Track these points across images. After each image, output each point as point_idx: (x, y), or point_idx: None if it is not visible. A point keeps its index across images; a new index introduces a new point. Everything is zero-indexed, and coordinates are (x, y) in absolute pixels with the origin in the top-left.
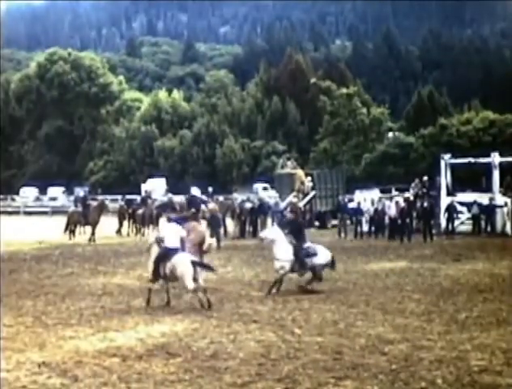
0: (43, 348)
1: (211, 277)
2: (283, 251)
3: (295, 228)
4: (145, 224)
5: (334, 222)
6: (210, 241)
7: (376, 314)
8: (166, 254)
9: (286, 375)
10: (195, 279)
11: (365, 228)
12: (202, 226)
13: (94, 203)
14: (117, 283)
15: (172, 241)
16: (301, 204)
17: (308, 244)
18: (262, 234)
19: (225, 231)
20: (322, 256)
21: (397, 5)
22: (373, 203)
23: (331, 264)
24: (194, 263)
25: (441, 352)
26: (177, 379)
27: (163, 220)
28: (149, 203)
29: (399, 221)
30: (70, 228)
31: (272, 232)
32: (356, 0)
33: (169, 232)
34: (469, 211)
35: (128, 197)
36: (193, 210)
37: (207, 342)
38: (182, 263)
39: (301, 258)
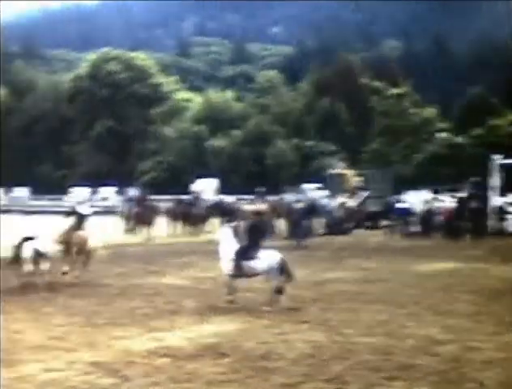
0: (94, 347)
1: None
2: (225, 252)
3: (255, 230)
4: (196, 224)
5: (385, 223)
6: None
7: (425, 315)
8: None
9: (335, 376)
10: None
11: (415, 228)
12: None
13: (150, 204)
14: (168, 283)
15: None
16: (353, 204)
17: (255, 247)
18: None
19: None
20: (265, 261)
21: (448, 5)
22: (422, 204)
23: (280, 271)
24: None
25: (490, 353)
26: (227, 379)
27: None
28: (199, 203)
29: (450, 222)
30: (132, 227)
31: (220, 232)
32: (406, 0)
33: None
34: None
35: (179, 197)
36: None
37: (257, 342)
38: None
39: (238, 259)
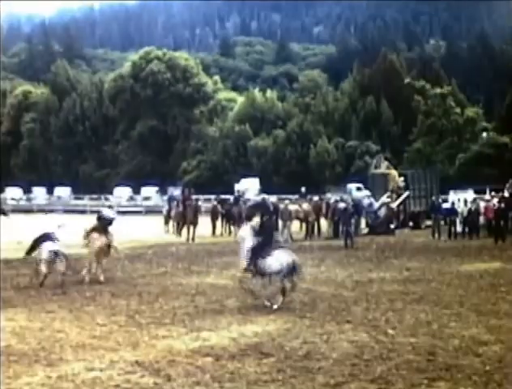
0: (136, 347)
1: (305, 277)
2: (243, 250)
3: (267, 229)
4: (238, 223)
5: (428, 222)
6: None
7: (470, 315)
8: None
9: (379, 376)
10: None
11: (459, 228)
12: None
13: (193, 203)
14: (210, 282)
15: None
16: (395, 204)
17: (269, 246)
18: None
19: (319, 231)
20: (276, 261)
21: (491, 4)
22: (467, 204)
23: (291, 272)
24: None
25: None
26: (270, 379)
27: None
28: (242, 202)
29: (494, 222)
30: (178, 227)
31: (243, 230)
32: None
33: None
34: None
35: (222, 197)
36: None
37: (300, 342)
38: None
39: (255, 258)
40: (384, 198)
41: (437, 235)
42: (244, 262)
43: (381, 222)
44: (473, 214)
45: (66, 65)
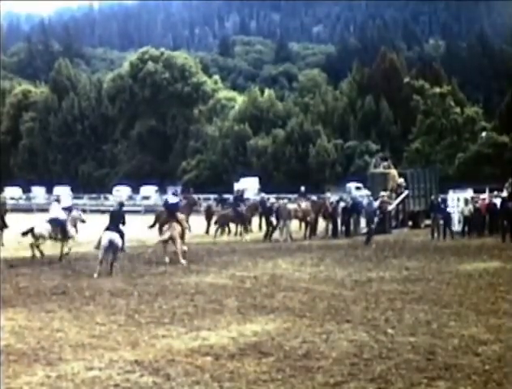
0: (135, 346)
1: (304, 277)
2: None
3: None
4: (238, 222)
5: (428, 222)
6: None
7: (469, 315)
8: None
9: (379, 375)
10: None
11: (458, 228)
12: None
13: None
14: (209, 282)
15: None
16: (396, 203)
17: None
18: None
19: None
20: None
21: (490, 4)
22: (466, 203)
23: None
24: None
25: None
26: (270, 379)
27: None
28: (241, 202)
29: (493, 221)
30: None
31: None
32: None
33: None
34: None
35: (221, 196)
36: None
37: (300, 341)
38: None
39: None
40: (383, 198)
41: (436, 234)
42: None
43: (380, 221)
44: (472, 213)
45: (67, 64)
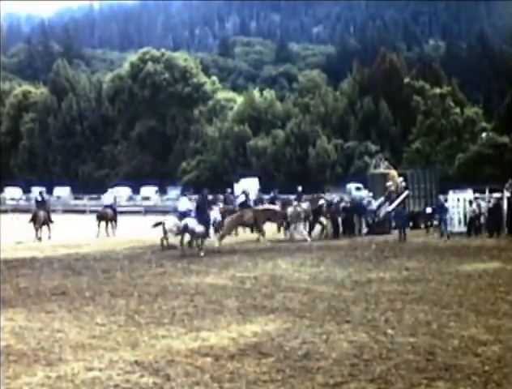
0: (135, 347)
1: (304, 277)
2: None
3: None
4: None
5: (427, 222)
6: None
7: (469, 315)
8: None
9: (378, 376)
10: None
11: (458, 228)
12: None
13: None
14: (209, 282)
15: None
16: (396, 203)
17: None
18: None
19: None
20: None
21: (490, 4)
22: (466, 204)
23: None
24: None
25: None
26: (270, 379)
27: None
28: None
29: (493, 222)
30: None
31: None
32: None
33: None
34: None
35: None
36: None
37: (300, 342)
38: None
39: None
40: (383, 198)
41: (436, 235)
42: None
43: (380, 222)
44: (472, 214)
45: (66, 65)
